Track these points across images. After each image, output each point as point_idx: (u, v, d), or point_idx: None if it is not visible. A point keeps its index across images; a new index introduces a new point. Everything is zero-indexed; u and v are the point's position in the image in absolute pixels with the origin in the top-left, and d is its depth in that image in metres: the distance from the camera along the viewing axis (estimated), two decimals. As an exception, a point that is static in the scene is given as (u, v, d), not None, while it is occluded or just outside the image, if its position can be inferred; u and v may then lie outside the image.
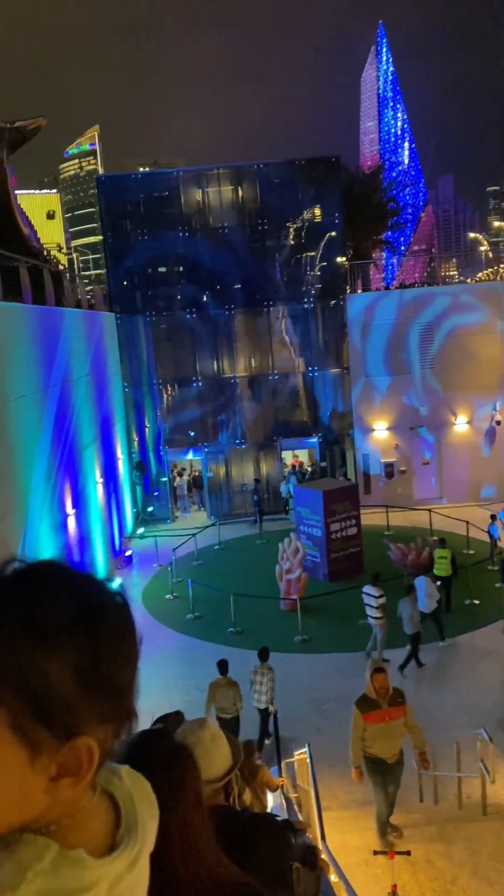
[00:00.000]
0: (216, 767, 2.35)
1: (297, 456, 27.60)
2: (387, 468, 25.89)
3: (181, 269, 26.39)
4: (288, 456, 27.36)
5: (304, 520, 19.99)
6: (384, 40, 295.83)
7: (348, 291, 26.30)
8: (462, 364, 25.77)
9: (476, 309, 25.65)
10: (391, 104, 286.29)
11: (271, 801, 10.59)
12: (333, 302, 26.53)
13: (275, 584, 18.58)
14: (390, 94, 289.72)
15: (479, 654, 15.49)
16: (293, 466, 27.47)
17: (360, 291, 27.46)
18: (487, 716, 12.72)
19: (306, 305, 26.68)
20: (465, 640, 16.09)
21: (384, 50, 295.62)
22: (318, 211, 26.06)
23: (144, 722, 1.17)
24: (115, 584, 0.96)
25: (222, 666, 12.28)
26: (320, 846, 5.39)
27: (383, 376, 25.99)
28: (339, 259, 26.38)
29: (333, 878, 4.74)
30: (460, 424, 26.24)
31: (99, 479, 20.36)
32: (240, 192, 26.03)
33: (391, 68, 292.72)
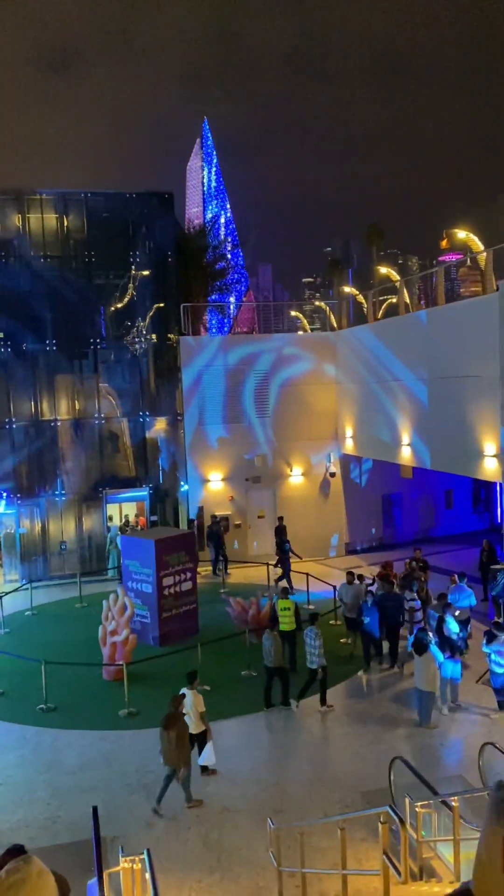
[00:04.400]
0: None
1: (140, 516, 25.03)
2: (221, 521, 24.05)
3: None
4: (113, 509, 24.74)
5: (132, 574, 17.50)
6: (209, 134, 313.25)
7: (181, 334, 24.75)
8: (297, 414, 24.92)
9: (309, 359, 25.08)
10: (215, 193, 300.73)
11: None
12: (166, 344, 24.86)
13: (96, 652, 15.85)
14: (214, 184, 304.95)
15: (327, 718, 13.66)
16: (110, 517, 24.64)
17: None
18: (350, 789, 10.88)
19: (136, 346, 24.80)
20: (312, 702, 14.23)
21: (209, 143, 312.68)
22: (149, 248, 24.53)
23: None
24: None
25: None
26: None
27: (218, 424, 24.47)
28: (171, 300, 24.87)
29: None
30: (295, 476, 25.18)
31: None
32: (65, 222, 23.98)
33: (215, 160, 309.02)
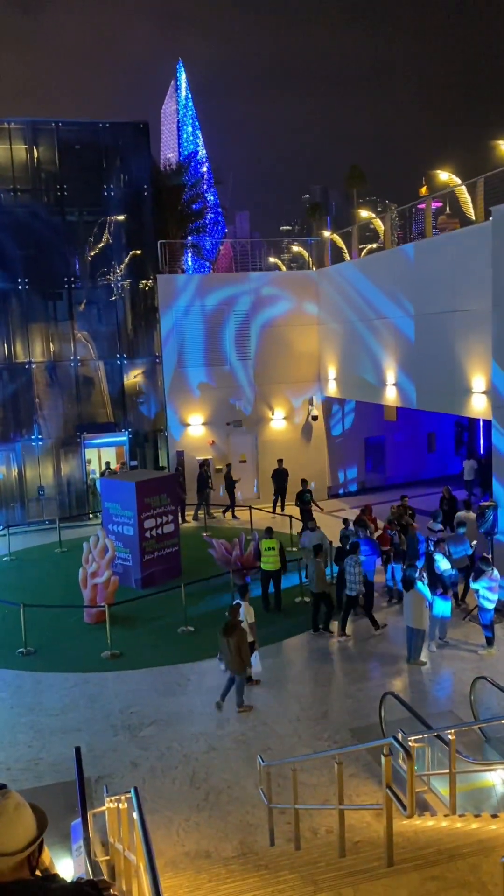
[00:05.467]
0: (19, 838, 2.21)
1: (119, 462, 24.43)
2: (202, 466, 23.58)
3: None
4: (92, 454, 24.18)
5: (113, 517, 17.06)
6: (182, 76, 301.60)
7: (158, 272, 23.79)
8: (279, 356, 24.30)
9: (290, 299, 24.34)
10: (191, 137, 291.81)
11: (73, 869, 7.80)
12: (143, 283, 23.99)
13: (77, 596, 15.49)
14: (190, 128, 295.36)
15: (315, 656, 13.47)
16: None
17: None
18: (339, 726, 10.72)
19: (113, 285, 23.89)
20: (299, 641, 14.04)
21: (184, 85, 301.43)
22: (125, 181, 23.42)
23: None
24: None
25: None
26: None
27: (198, 367, 23.80)
28: (148, 237, 23.87)
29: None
30: (277, 420, 24.70)
31: None
32: (35, 153, 22.75)
33: (191, 104, 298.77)
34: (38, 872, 2.37)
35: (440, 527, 15.66)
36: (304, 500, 20.41)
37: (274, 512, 21.80)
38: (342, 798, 5.98)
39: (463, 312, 16.38)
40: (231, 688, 11.26)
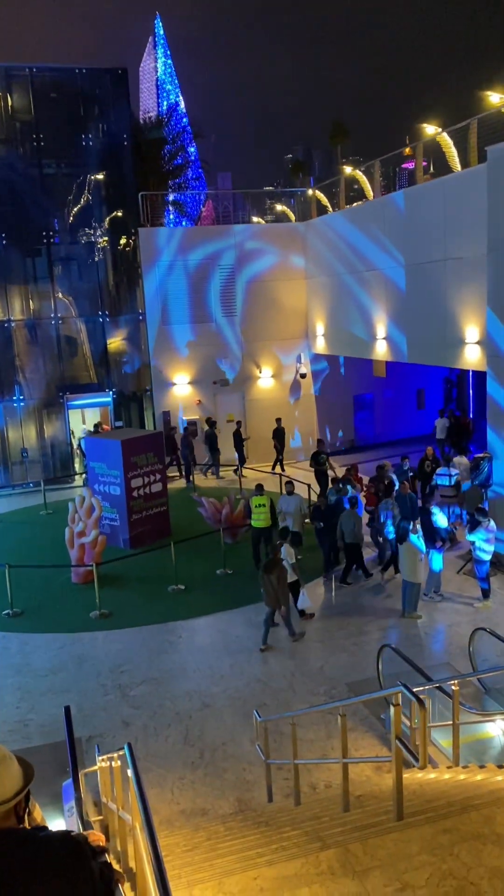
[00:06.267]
0: (6, 788, 2.29)
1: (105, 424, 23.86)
2: (189, 426, 23.15)
3: None
4: (76, 414, 23.66)
5: (99, 477, 16.64)
6: (160, 32, 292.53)
7: (140, 226, 23.01)
8: (266, 312, 23.73)
9: (276, 252, 23.69)
10: (171, 95, 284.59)
11: (65, 827, 7.47)
12: (124, 237, 23.22)
13: (64, 557, 15.15)
14: (169, 86, 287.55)
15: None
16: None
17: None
18: (335, 681, 10.51)
19: (93, 239, 23.12)
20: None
21: (162, 42, 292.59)
22: (103, 130, 22.53)
23: None
24: None
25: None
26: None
27: (183, 324, 23.20)
28: (128, 188, 23.04)
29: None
30: (265, 378, 24.23)
31: None
32: (9, 101, 21.80)
33: (170, 60, 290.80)
34: (26, 825, 2.44)
35: (456, 471, 15.41)
36: (319, 461, 19.10)
37: (283, 471, 21.21)
38: (346, 751, 5.71)
39: (456, 260, 15.90)
40: (269, 631, 11.62)
